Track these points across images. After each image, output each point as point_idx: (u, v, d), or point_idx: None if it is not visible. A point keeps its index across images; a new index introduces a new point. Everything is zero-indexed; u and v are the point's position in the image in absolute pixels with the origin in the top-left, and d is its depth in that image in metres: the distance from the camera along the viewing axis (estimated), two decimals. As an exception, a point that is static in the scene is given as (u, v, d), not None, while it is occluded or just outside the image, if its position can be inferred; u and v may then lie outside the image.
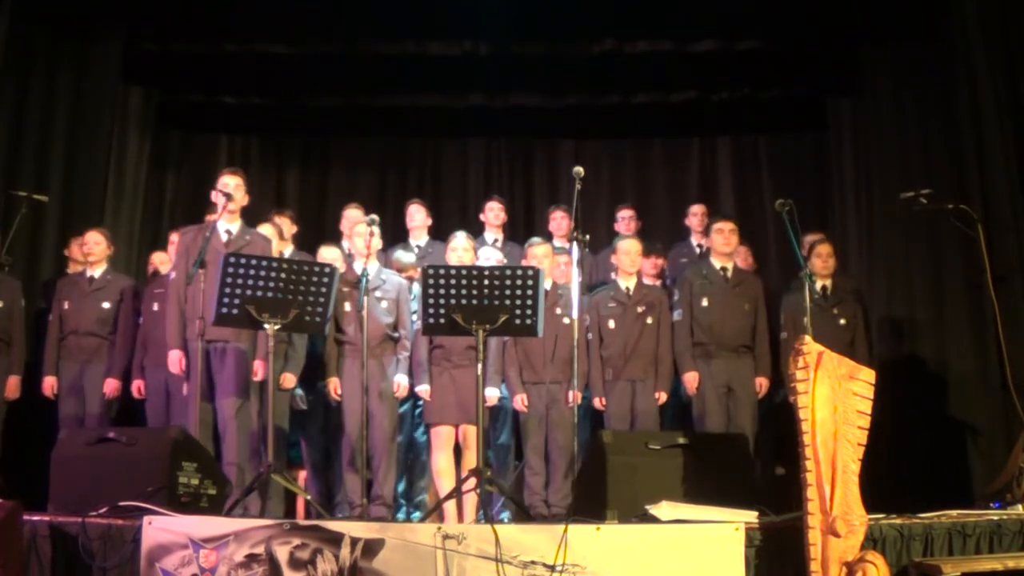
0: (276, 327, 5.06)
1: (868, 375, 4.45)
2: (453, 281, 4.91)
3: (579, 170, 5.48)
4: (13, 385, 6.38)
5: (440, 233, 7.41)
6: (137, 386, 6.39)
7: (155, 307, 6.34)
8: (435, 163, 9.21)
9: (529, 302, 4.91)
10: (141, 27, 7.75)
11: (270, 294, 5.03)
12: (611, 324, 6.22)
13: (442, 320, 4.94)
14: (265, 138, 9.10)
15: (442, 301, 4.91)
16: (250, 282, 5.00)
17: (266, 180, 8.87)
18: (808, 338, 4.45)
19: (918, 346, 7.08)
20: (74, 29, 7.51)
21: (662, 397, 6.22)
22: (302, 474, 6.40)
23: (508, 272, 5.02)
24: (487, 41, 7.90)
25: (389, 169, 9.19)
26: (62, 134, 7.43)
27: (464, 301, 4.89)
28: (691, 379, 6.21)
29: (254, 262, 5.05)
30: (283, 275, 5.05)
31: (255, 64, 8.10)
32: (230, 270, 5.00)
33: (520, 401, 6.03)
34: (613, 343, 6.20)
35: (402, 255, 6.75)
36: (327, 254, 6.44)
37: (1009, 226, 6.51)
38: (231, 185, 5.82)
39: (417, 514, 6.12)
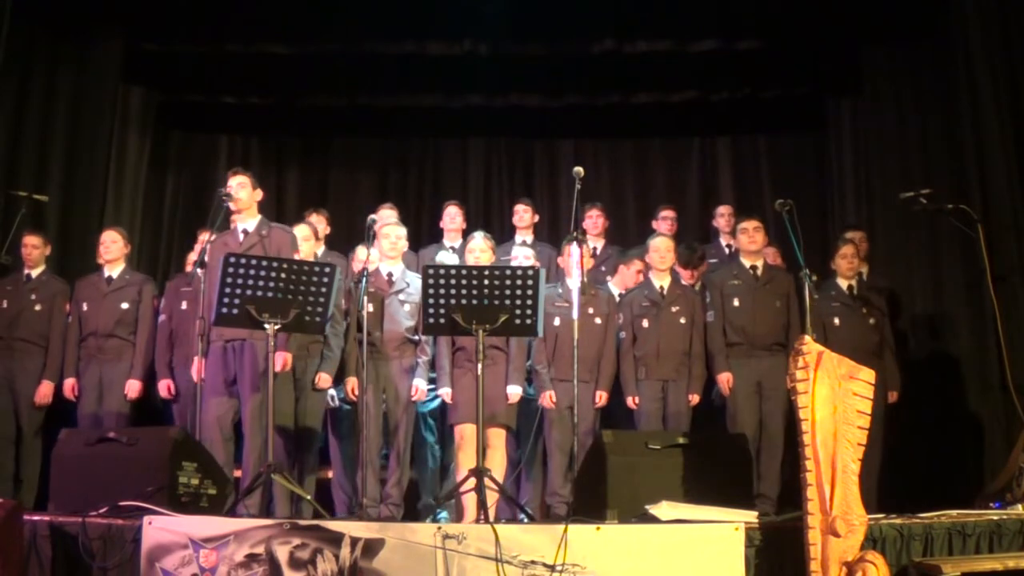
0: (276, 327, 5.06)
1: (868, 375, 4.45)
2: (453, 281, 4.90)
3: (579, 170, 5.48)
4: (45, 391, 6.35)
5: (440, 234, 7.42)
6: (167, 385, 6.29)
7: (184, 306, 6.28)
8: (435, 163, 9.20)
9: (529, 302, 4.90)
10: (141, 27, 7.75)
11: (270, 294, 5.03)
12: (645, 323, 6.23)
13: (442, 320, 4.93)
14: (265, 138, 9.09)
15: (442, 301, 4.90)
16: (250, 282, 4.99)
17: (266, 180, 8.82)
18: (808, 338, 4.45)
19: (918, 346, 7.08)
20: (74, 29, 7.51)
21: (694, 399, 6.21)
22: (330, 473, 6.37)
23: (508, 272, 5.02)
24: (487, 41, 7.89)
25: (389, 169, 9.18)
26: (62, 134, 7.43)
27: (464, 301, 4.89)
28: (724, 380, 6.19)
29: (254, 262, 5.04)
30: (283, 275, 5.05)
31: (255, 64, 8.09)
32: (230, 270, 5.00)
33: (548, 398, 6.04)
34: (646, 342, 6.20)
35: (445, 257, 6.71)
36: (363, 254, 6.42)
37: (1009, 226, 6.51)
38: (233, 185, 5.83)
39: (444, 514, 6.10)
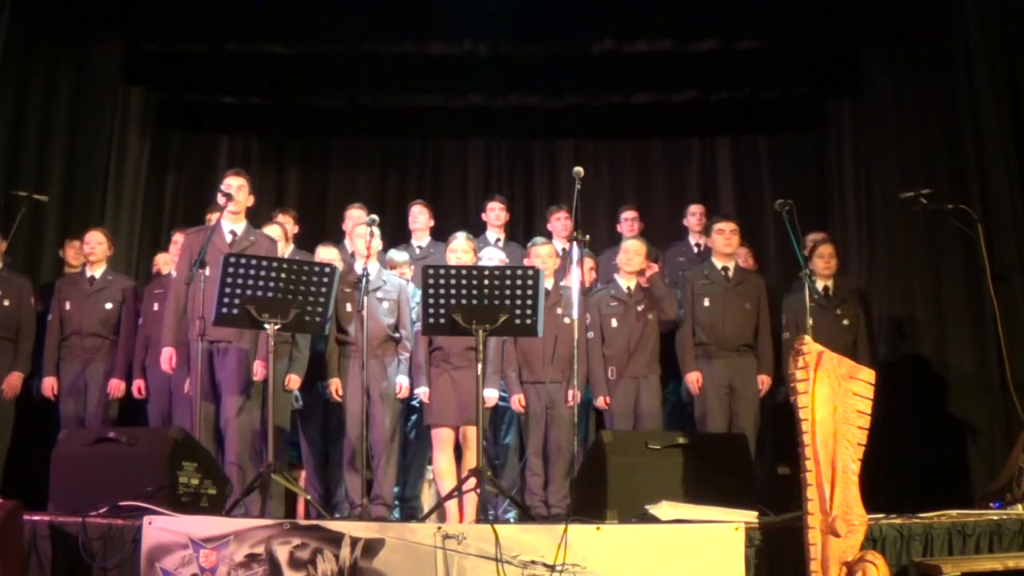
0: (276, 327, 5.06)
1: (868, 375, 4.45)
2: (453, 281, 4.90)
3: (579, 170, 5.48)
4: (13, 381, 6.34)
5: (440, 233, 7.40)
6: (138, 386, 6.39)
7: (155, 307, 6.33)
8: (435, 163, 9.20)
9: (529, 302, 4.90)
10: (141, 27, 7.76)
11: (270, 294, 5.03)
12: (614, 323, 6.22)
13: (442, 320, 4.93)
14: (265, 138, 9.10)
15: (442, 301, 4.90)
16: (250, 282, 5.00)
17: (266, 180, 8.85)
18: (808, 338, 4.45)
19: (918, 346, 7.08)
20: (74, 29, 7.51)
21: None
22: (302, 474, 6.39)
23: (508, 272, 5.02)
24: (487, 41, 7.90)
25: (389, 169, 9.18)
26: (62, 134, 7.44)
27: (464, 301, 4.89)
28: (693, 379, 6.21)
29: (254, 262, 5.04)
30: (283, 275, 5.05)
31: (255, 64, 8.10)
32: (230, 270, 5.00)
33: (518, 402, 6.03)
34: (616, 341, 6.20)
35: (395, 253, 6.74)
36: (325, 254, 6.44)
37: (1009, 226, 6.51)
38: (233, 186, 5.82)
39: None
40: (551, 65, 8.14)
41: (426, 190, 9.01)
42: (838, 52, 7.92)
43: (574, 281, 5.58)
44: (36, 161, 7.26)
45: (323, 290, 5.14)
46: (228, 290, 4.99)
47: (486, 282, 4.90)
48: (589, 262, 6.81)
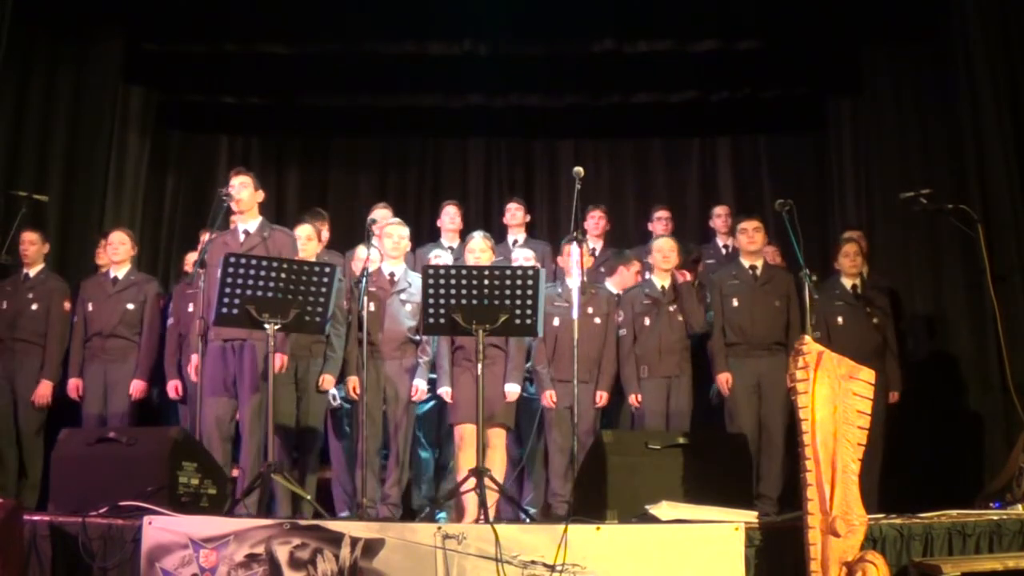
0: (276, 327, 5.06)
1: (868, 375, 4.45)
2: (453, 281, 4.90)
3: (579, 170, 5.48)
4: (43, 391, 6.34)
5: (438, 234, 7.42)
6: (174, 386, 6.32)
7: (190, 308, 6.28)
8: (435, 163, 9.20)
9: (529, 302, 4.90)
10: (141, 27, 7.76)
11: (270, 294, 5.03)
12: (646, 321, 6.25)
13: (442, 320, 4.93)
14: (265, 138, 9.09)
15: (442, 301, 4.90)
16: (250, 282, 5.00)
17: (266, 180, 8.79)
18: (808, 338, 4.46)
19: (918, 346, 7.08)
20: (75, 29, 7.51)
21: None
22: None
23: (508, 272, 5.02)
24: (487, 41, 7.90)
25: (389, 169, 9.18)
26: (62, 134, 7.44)
27: (464, 301, 4.89)
28: (724, 380, 6.21)
29: (254, 262, 5.04)
30: (283, 275, 5.05)
31: (255, 64, 8.10)
32: (230, 270, 5.00)
33: (549, 398, 6.04)
34: (648, 340, 6.23)
35: (441, 255, 6.73)
36: (362, 254, 6.43)
37: (1009, 226, 6.51)
38: (235, 185, 5.82)
39: (443, 514, 6.10)
40: (551, 65, 8.14)
41: (426, 190, 9.02)
42: (838, 52, 7.92)
43: (574, 281, 5.58)
44: (36, 161, 7.26)
45: (323, 290, 5.13)
46: (228, 290, 4.99)
47: (486, 282, 4.90)
48: (636, 265, 6.78)
